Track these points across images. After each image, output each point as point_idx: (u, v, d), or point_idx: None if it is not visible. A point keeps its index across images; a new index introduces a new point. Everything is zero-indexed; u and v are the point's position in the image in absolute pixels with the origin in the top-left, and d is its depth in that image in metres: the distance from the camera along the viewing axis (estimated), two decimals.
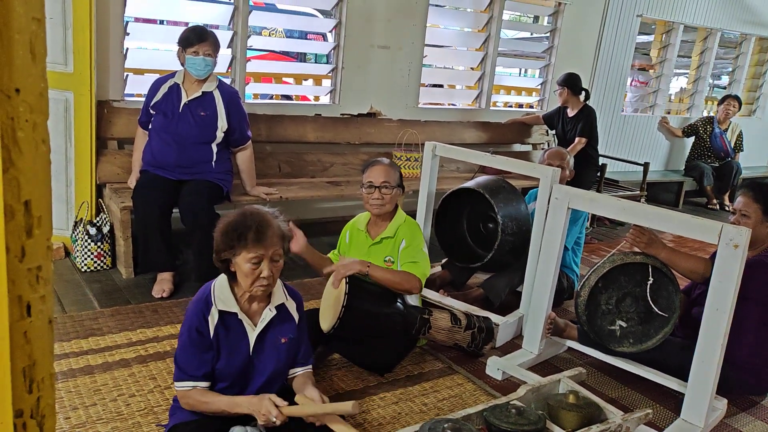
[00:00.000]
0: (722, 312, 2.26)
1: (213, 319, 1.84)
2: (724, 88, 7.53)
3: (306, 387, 1.87)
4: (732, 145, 6.62)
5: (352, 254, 2.76)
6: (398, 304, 2.57)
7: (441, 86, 6.15)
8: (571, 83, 4.85)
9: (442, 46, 5.35)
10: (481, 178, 3.29)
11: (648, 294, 2.53)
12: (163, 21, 6.01)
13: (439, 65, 5.49)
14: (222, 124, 3.20)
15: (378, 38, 4.46)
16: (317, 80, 5.56)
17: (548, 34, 5.59)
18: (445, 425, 1.84)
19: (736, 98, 6.57)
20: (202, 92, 3.17)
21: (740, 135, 6.71)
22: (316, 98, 5.25)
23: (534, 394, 2.15)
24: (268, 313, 1.89)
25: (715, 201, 6.52)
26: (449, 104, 5.47)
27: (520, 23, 8.58)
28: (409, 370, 2.64)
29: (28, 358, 0.70)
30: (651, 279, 2.52)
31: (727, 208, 6.42)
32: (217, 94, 3.20)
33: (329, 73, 4.51)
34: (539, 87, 5.76)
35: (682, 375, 2.47)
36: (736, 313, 2.32)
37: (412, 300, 2.72)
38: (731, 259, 2.22)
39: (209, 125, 3.19)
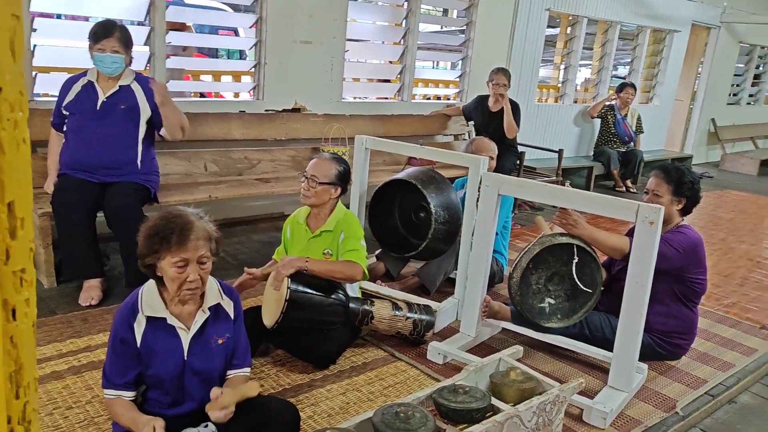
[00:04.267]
0: (642, 285, 2.43)
1: (140, 326, 1.78)
2: (624, 77, 8.02)
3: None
4: (633, 128, 7.10)
5: (293, 247, 2.77)
6: (340, 295, 2.60)
7: (364, 80, 6.19)
8: (509, 79, 5.06)
9: (362, 41, 5.39)
10: (412, 169, 3.36)
11: (574, 272, 2.68)
12: (61, 16, 5.69)
13: (361, 59, 5.53)
14: (145, 113, 3.09)
15: (300, 33, 4.44)
16: (236, 77, 5.47)
17: (464, 28, 5.75)
18: (398, 410, 1.89)
19: (632, 85, 7.06)
20: (119, 86, 3.06)
21: (639, 118, 7.23)
22: (236, 95, 5.16)
23: (477, 374, 2.24)
24: (202, 315, 1.84)
25: (621, 184, 6.95)
26: (378, 98, 5.52)
27: (437, 17, 8.76)
28: (354, 361, 2.68)
29: (15, 363, 0.68)
30: (576, 258, 2.68)
31: (631, 191, 6.87)
32: (135, 86, 3.09)
33: (251, 69, 4.44)
34: (458, 79, 5.92)
35: (607, 346, 2.65)
36: (655, 285, 2.51)
37: (352, 292, 2.76)
38: (648, 235, 2.40)
39: (131, 118, 3.07)
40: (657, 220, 2.38)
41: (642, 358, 2.69)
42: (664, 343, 2.86)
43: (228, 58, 7.34)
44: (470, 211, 3.02)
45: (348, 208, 2.87)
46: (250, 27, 4.37)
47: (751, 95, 10.39)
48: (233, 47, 6.98)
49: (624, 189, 6.93)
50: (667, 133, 8.81)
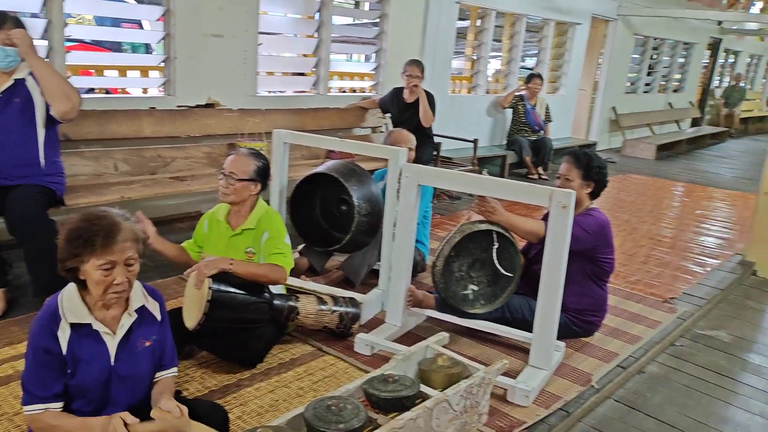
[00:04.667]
0: (557, 267, 2.55)
1: (64, 333, 1.70)
2: (532, 69, 8.33)
3: (162, 398, 1.78)
4: (543, 117, 7.41)
5: (211, 244, 2.70)
6: (264, 293, 2.56)
7: (279, 74, 6.10)
8: (423, 70, 5.12)
9: (275, 34, 5.31)
10: (332, 163, 3.35)
11: (494, 258, 2.77)
12: None
13: (275, 53, 5.45)
14: (41, 108, 2.88)
15: (210, 27, 4.31)
16: (144, 72, 5.24)
17: (378, 20, 5.77)
18: (329, 403, 1.89)
19: (540, 76, 7.36)
20: (14, 80, 2.85)
21: (547, 107, 7.56)
22: (145, 91, 4.96)
23: (405, 363, 2.28)
24: (128, 318, 1.78)
25: (534, 171, 7.23)
26: (294, 92, 5.45)
27: (350, 9, 8.74)
28: (281, 358, 2.65)
29: None
30: (496, 244, 2.77)
31: (543, 178, 7.16)
32: (30, 80, 2.88)
33: (161, 64, 4.27)
34: (373, 72, 5.94)
35: (527, 327, 2.76)
36: (568, 267, 2.64)
37: (276, 288, 2.72)
38: (562, 218, 2.51)
39: (29, 114, 2.86)
40: (569, 204, 2.50)
41: (559, 337, 2.82)
42: (579, 321, 3.02)
43: (133, 52, 7.02)
44: (391, 203, 3.05)
45: (269, 204, 2.82)
46: (157, 20, 4.20)
47: (646, 84, 11.05)
48: (139, 41, 6.69)
49: (536, 176, 7.20)
50: (574, 122, 9.23)
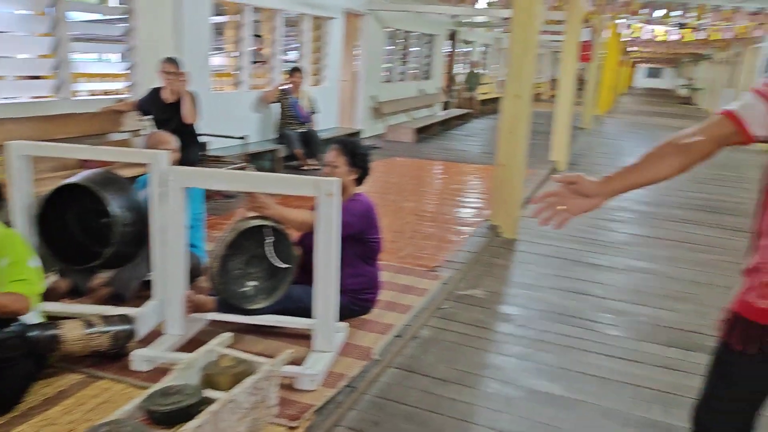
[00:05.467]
0: (330, 252, 2.68)
1: None
2: (295, 62, 8.50)
3: None
4: (309, 109, 7.62)
5: None
6: (13, 325, 2.29)
7: (11, 78, 5.37)
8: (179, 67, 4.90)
9: (2, 33, 4.66)
10: (86, 173, 3.08)
11: (270, 251, 2.81)
12: None
13: (5, 54, 4.79)
14: None
15: None
16: None
17: (126, 16, 5.39)
18: (103, 431, 1.77)
19: (300, 69, 7.55)
20: None
21: (312, 99, 7.76)
22: None
23: (188, 371, 2.22)
24: None
25: (306, 163, 7.40)
26: (32, 98, 4.85)
27: (93, 5, 7.98)
28: (45, 393, 2.40)
29: None
30: (270, 238, 2.81)
31: (316, 168, 7.38)
32: None
33: None
34: (128, 72, 5.54)
35: (310, 314, 2.86)
36: (341, 251, 2.78)
37: (33, 317, 2.45)
38: (328, 206, 2.64)
39: None
40: (335, 191, 2.63)
41: (341, 319, 2.97)
42: (357, 300, 3.20)
43: None
44: (156, 209, 2.91)
45: (9, 226, 2.51)
46: None
47: (401, 73, 11.95)
48: None
49: (308, 167, 7.39)
50: (339, 111, 9.64)
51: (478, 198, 6.41)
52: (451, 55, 15.19)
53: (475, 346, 3.21)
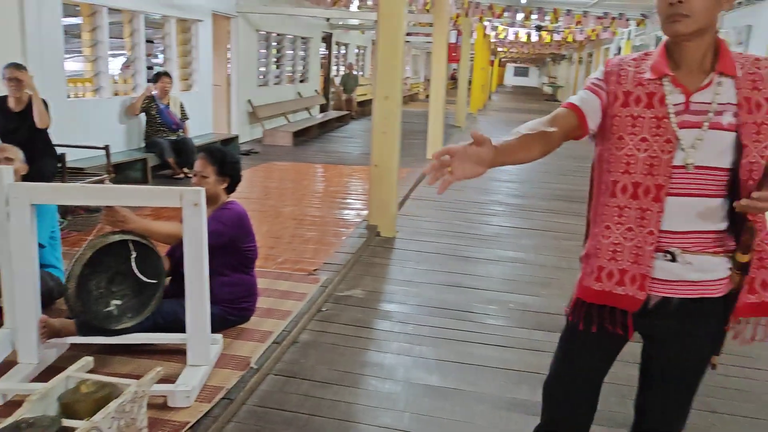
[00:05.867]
0: (200, 263, 2.60)
1: None
2: (161, 66, 8.14)
3: None
4: (179, 115, 7.32)
5: None
6: None
7: None
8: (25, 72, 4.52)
9: None
10: None
11: (134, 267, 2.67)
12: None
13: None
14: None
15: None
16: None
17: None
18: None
19: (167, 74, 7.25)
20: None
21: (182, 105, 7.48)
22: None
23: (43, 402, 2.05)
24: None
25: (179, 171, 7.11)
26: None
27: None
28: None
29: None
30: (134, 253, 2.67)
31: (189, 177, 7.10)
32: None
33: None
34: None
35: (183, 328, 2.75)
36: (212, 262, 2.71)
37: None
38: (195, 216, 2.56)
39: None
40: (200, 201, 2.55)
41: (216, 330, 2.89)
42: (233, 310, 3.13)
43: None
44: (2, 230, 2.67)
45: None
46: None
47: (276, 77, 11.81)
48: None
49: (182, 176, 7.11)
50: (213, 117, 9.34)
51: (357, 199, 6.48)
52: (327, 58, 15.23)
53: (355, 345, 3.25)
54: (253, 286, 3.26)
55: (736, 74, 1.43)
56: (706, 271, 1.49)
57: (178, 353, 2.85)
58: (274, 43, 11.44)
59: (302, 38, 12.66)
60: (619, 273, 1.50)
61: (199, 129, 8.41)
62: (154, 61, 9.93)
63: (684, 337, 1.55)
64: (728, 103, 1.43)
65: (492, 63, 28.25)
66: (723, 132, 1.42)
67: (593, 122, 1.53)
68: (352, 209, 6.03)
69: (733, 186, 1.45)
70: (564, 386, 1.70)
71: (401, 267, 4.58)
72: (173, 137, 7.17)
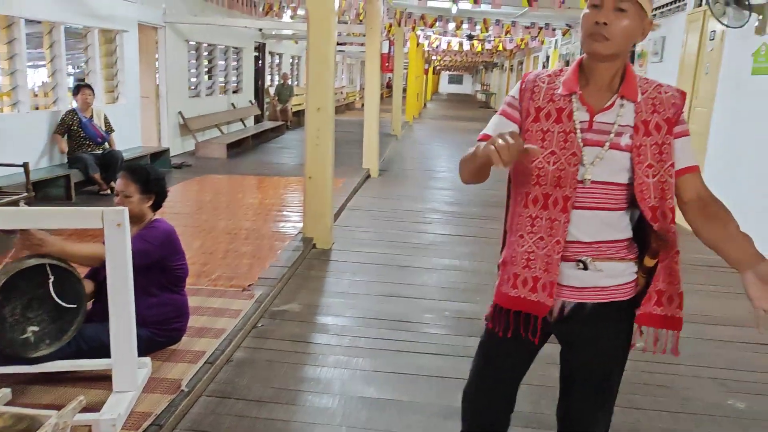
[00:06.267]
0: (124, 285, 2.50)
1: None
2: (83, 78, 7.83)
3: None
4: (103, 128, 7.06)
5: None
6: None
7: None
8: None
9: None
10: None
11: (52, 292, 2.55)
12: None
13: None
14: None
15: None
16: None
17: None
18: None
19: (88, 86, 6.98)
20: None
21: (106, 117, 7.21)
22: None
23: None
24: None
25: (106, 187, 6.85)
26: None
27: None
28: None
29: None
30: (51, 277, 2.55)
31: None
32: None
33: None
34: None
35: (109, 353, 2.65)
36: (139, 283, 2.62)
37: None
38: (118, 237, 2.46)
39: None
40: (123, 221, 2.47)
41: (144, 353, 2.80)
42: (162, 331, 3.03)
43: None
44: None
45: None
46: None
47: (208, 87, 11.59)
48: None
49: (109, 191, 6.86)
50: (143, 130, 9.06)
51: (293, 211, 6.42)
52: (261, 68, 15.07)
53: (291, 361, 3.21)
54: (183, 306, 3.16)
55: (636, 99, 1.52)
56: (615, 277, 1.57)
57: (103, 380, 2.73)
58: (205, 54, 11.23)
59: (234, 48, 12.48)
60: (532, 280, 1.57)
61: (127, 142, 8.15)
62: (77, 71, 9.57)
63: (598, 340, 1.62)
64: (627, 125, 1.51)
65: (426, 71, 28.69)
66: (621, 152, 1.51)
67: None
68: (288, 222, 5.97)
69: (634, 199, 1.54)
70: (484, 392, 1.75)
71: (338, 279, 4.56)
72: (98, 151, 6.92)
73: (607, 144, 1.50)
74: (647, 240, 1.56)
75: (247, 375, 3.02)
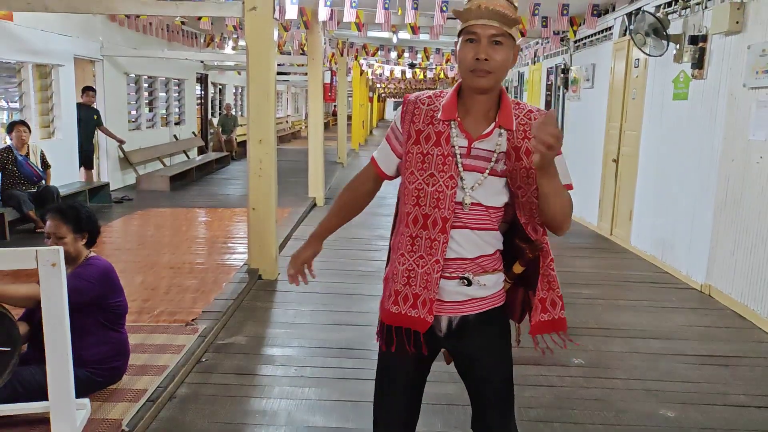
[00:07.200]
0: (60, 324, 2.46)
1: None
2: (18, 115, 7.62)
3: None
4: (40, 166, 6.87)
5: None
6: None
7: None
8: None
9: None
10: None
11: None
12: None
13: None
14: None
15: None
16: None
17: None
18: None
19: (24, 123, 6.79)
20: None
21: (42, 153, 7.00)
22: None
23: None
24: None
25: (42, 224, 6.64)
26: None
27: None
28: None
29: None
30: None
31: None
32: None
33: None
34: None
35: (46, 395, 2.58)
36: (76, 322, 2.58)
37: None
38: (53, 277, 2.42)
39: None
40: (59, 261, 2.43)
41: (83, 394, 2.74)
42: (101, 371, 2.97)
43: None
44: None
45: None
46: None
47: (149, 120, 11.43)
48: None
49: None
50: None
51: (239, 243, 6.38)
52: (203, 99, 14.98)
53: (237, 394, 3.19)
54: (123, 344, 3.11)
55: (512, 127, 1.62)
56: (491, 287, 1.70)
57: (41, 423, 2.66)
58: (146, 86, 11.11)
59: (176, 80, 12.39)
60: (413, 297, 1.65)
61: (65, 178, 7.95)
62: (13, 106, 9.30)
63: (491, 346, 1.74)
64: (502, 152, 1.62)
65: (371, 99, 29.05)
66: (498, 178, 1.63)
67: (390, 170, 1.78)
68: (233, 254, 5.93)
69: (507, 217, 1.69)
70: (385, 407, 1.81)
71: (284, 309, 4.56)
72: (33, 189, 6.72)
73: (487, 171, 1.61)
74: (513, 250, 1.70)
75: (191, 411, 2.99)
